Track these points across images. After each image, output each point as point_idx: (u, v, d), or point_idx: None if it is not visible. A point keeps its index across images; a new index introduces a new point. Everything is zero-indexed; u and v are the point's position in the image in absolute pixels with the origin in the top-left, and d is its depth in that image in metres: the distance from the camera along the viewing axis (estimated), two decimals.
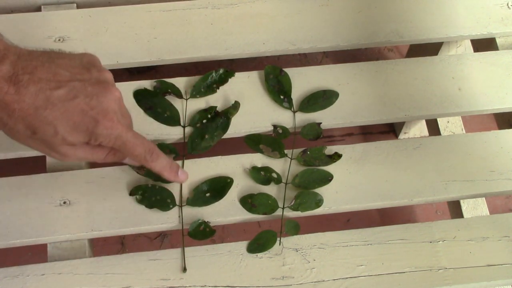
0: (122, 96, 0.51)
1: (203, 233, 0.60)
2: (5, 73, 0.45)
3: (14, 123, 0.46)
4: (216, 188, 0.62)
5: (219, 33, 0.70)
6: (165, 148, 0.63)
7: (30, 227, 0.60)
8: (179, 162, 0.63)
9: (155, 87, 0.66)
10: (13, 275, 0.58)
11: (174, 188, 0.62)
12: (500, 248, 0.61)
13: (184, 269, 0.59)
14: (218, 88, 0.66)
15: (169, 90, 0.65)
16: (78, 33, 0.69)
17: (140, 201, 0.61)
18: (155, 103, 0.65)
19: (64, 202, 0.61)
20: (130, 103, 0.65)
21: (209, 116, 0.65)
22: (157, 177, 0.61)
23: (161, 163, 0.55)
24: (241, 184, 0.63)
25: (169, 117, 0.64)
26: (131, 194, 0.61)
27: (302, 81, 0.68)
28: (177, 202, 0.61)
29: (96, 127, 0.48)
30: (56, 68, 0.47)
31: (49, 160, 0.64)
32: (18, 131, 0.47)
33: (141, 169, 0.61)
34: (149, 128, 0.64)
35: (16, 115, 0.46)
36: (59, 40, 0.68)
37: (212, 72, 0.67)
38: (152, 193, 0.61)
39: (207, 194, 0.62)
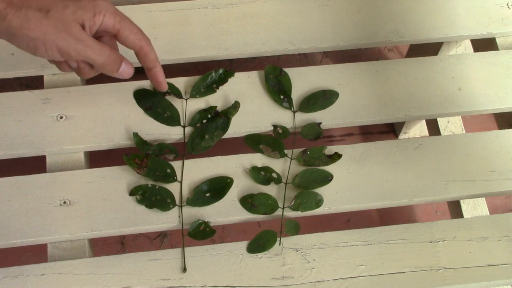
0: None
1: (203, 233, 0.60)
2: None
3: (28, 5, 0.49)
4: (216, 188, 0.62)
5: (219, 33, 0.70)
6: (165, 148, 0.63)
7: (30, 227, 0.60)
8: (179, 162, 0.63)
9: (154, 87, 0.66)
10: (13, 275, 0.58)
11: (174, 188, 0.62)
12: (500, 248, 0.61)
13: (184, 269, 0.59)
14: (218, 88, 0.66)
15: (169, 90, 0.65)
16: None
17: (140, 201, 0.61)
18: (155, 103, 0.65)
19: (64, 202, 0.61)
20: (130, 103, 0.65)
21: (209, 116, 0.65)
22: (157, 177, 0.61)
23: (155, 53, 0.57)
24: (241, 184, 0.63)
25: (169, 117, 0.64)
26: (131, 194, 0.61)
27: (302, 81, 0.68)
28: (177, 202, 0.61)
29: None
30: None
31: (49, 160, 0.64)
32: (33, 14, 0.48)
33: (141, 169, 0.61)
34: (149, 128, 0.64)
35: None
36: None
37: (211, 72, 0.67)
38: (152, 193, 0.61)
39: (207, 194, 0.62)
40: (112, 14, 0.52)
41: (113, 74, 0.56)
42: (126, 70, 0.57)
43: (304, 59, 1.20)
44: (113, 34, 0.54)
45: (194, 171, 0.63)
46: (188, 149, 0.63)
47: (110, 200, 0.61)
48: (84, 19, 0.51)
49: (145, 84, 0.66)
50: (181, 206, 0.61)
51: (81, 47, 0.51)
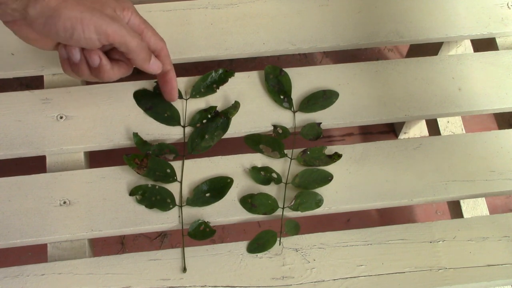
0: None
1: (203, 233, 0.60)
2: None
3: None
4: (216, 188, 0.62)
5: (219, 33, 0.70)
6: (165, 148, 0.63)
7: (30, 227, 0.60)
8: (179, 162, 0.63)
9: (155, 87, 0.66)
10: (13, 275, 0.58)
11: (174, 188, 0.62)
12: (500, 248, 0.61)
13: (184, 269, 0.59)
14: (218, 88, 0.66)
15: None
16: None
17: (140, 201, 0.61)
18: (155, 103, 0.65)
19: (64, 202, 0.61)
20: (130, 103, 0.65)
21: (209, 116, 0.65)
22: (157, 177, 0.61)
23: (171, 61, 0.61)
24: (241, 184, 0.63)
25: (169, 117, 0.64)
26: (131, 194, 0.61)
27: (302, 81, 0.68)
28: (177, 202, 0.61)
29: None
30: None
31: (49, 160, 0.64)
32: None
33: (141, 169, 0.61)
34: (149, 128, 0.64)
35: None
36: None
37: (211, 72, 0.67)
38: (152, 193, 0.61)
39: (207, 194, 0.62)
40: (137, 14, 0.55)
41: (144, 65, 0.56)
42: (156, 63, 0.57)
43: (304, 59, 1.20)
44: (138, 33, 0.55)
45: (194, 171, 0.63)
46: (188, 149, 0.63)
47: (110, 200, 0.61)
48: (116, 8, 0.53)
49: (145, 84, 0.66)
50: (181, 206, 0.61)
51: (116, 25, 0.51)
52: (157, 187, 0.61)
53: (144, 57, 0.56)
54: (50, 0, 0.49)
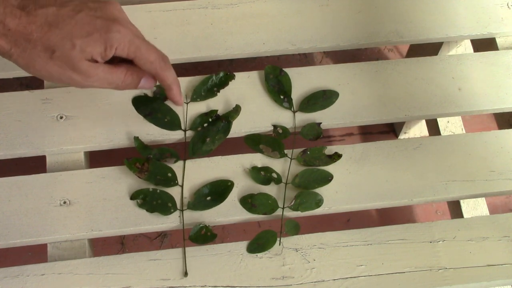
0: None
1: (204, 237, 0.60)
2: (13, 1, 0.48)
3: (33, 46, 0.49)
4: (217, 191, 0.62)
5: (219, 33, 0.70)
6: (166, 152, 0.63)
7: (30, 227, 0.60)
8: (180, 163, 0.63)
9: (155, 92, 0.66)
10: (13, 275, 0.58)
11: (175, 191, 0.61)
12: (500, 248, 0.61)
13: (185, 273, 0.59)
14: (219, 92, 0.66)
15: None
16: None
17: (141, 206, 0.61)
18: (154, 109, 0.64)
19: (64, 202, 0.61)
20: (130, 103, 0.65)
21: (210, 119, 0.64)
22: (158, 181, 0.61)
23: (173, 74, 0.57)
24: (241, 184, 0.63)
25: (170, 122, 0.64)
26: (132, 198, 0.61)
27: (302, 81, 0.68)
28: (178, 206, 0.61)
29: (108, 31, 0.50)
30: None
31: (49, 160, 0.64)
32: (38, 55, 0.49)
33: (142, 173, 0.61)
34: (150, 128, 0.64)
35: (34, 38, 0.48)
36: None
37: (212, 76, 0.66)
38: (153, 197, 0.61)
39: (208, 198, 0.61)
40: (126, 44, 0.51)
41: (133, 89, 0.57)
42: (145, 85, 0.57)
43: (304, 59, 1.20)
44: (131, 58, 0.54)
45: (194, 171, 0.63)
46: (189, 153, 0.63)
47: (110, 200, 0.61)
48: (94, 54, 0.50)
49: None
50: (182, 210, 0.61)
51: (89, 81, 0.52)
52: (158, 191, 0.61)
53: (128, 88, 0.56)
54: (18, 59, 0.49)
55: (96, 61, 0.51)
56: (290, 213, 0.62)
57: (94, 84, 0.52)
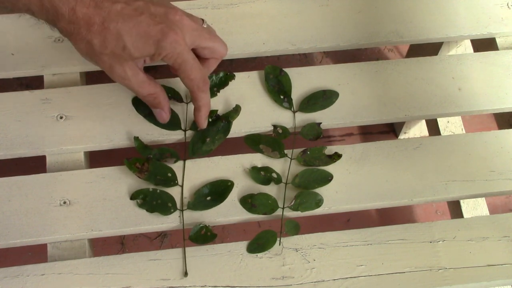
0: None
1: (204, 237, 0.60)
2: None
3: (92, 37, 0.51)
4: (217, 191, 0.62)
5: (219, 33, 0.69)
6: (166, 152, 0.62)
7: (30, 227, 0.60)
8: (180, 163, 0.63)
9: None
10: (13, 275, 0.58)
11: (175, 191, 0.61)
12: (500, 248, 0.61)
13: (185, 274, 0.59)
14: (219, 92, 0.66)
15: (169, 95, 0.65)
16: None
17: (141, 206, 0.61)
18: None
19: (64, 202, 0.61)
20: (130, 103, 0.65)
21: (210, 120, 0.64)
22: (158, 181, 0.61)
23: (207, 99, 0.59)
24: (241, 184, 0.63)
25: (170, 122, 0.64)
26: (132, 198, 0.61)
27: (302, 81, 0.68)
28: (178, 206, 0.61)
29: (162, 40, 0.52)
30: None
31: (49, 160, 0.64)
32: (93, 45, 0.52)
33: (142, 173, 0.61)
34: (150, 128, 0.64)
35: (94, 29, 0.51)
36: (59, 40, 0.68)
37: (212, 76, 0.66)
38: (153, 197, 0.61)
39: (208, 198, 0.61)
40: (174, 55, 0.53)
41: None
42: (159, 116, 0.62)
43: (304, 59, 1.20)
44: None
45: (194, 171, 0.63)
46: (189, 153, 0.63)
47: (110, 200, 0.61)
48: (140, 58, 0.54)
49: None
50: (182, 210, 0.61)
51: (122, 81, 0.55)
52: (158, 191, 0.61)
53: (149, 104, 0.61)
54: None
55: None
56: (290, 213, 0.62)
57: (124, 83, 0.56)
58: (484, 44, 0.75)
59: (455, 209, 0.86)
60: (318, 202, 0.62)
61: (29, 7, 0.51)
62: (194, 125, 0.64)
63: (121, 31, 0.51)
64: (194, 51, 0.57)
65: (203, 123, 0.62)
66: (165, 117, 0.62)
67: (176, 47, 0.53)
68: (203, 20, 0.59)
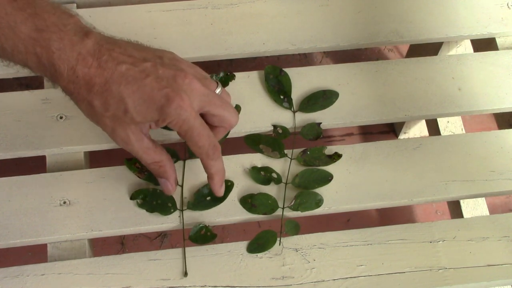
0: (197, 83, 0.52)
1: (204, 237, 0.60)
2: (90, 47, 0.48)
3: (92, 98, 0.48)
4: None
5: (219, 33, 0.70)
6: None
7: (30, 227, 0.60)
8: (180, 163, 0.63)
9: None
10: (13, 275, 0.58)
11: (175, 192, 0.61)
12: (500, 248, 0.61)
13: (185, 274, 0.59)
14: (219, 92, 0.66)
15: None
16: None
17: (140, 206, 0.61)
18: None
19: (64, 202, 0.61)
20: None
21: None
22: (158, 181, 0.61)
23: (219, 165, 0.55)
24: (241, 184, 0.63)
25: None
26: (131, 198, 0.61)
27: (302, 81, 0.68)
28: (178, 206, 0.61)
29: (166, 106, 0.49)
30: (131, 50, 0.50)
31: (49, 160, 0.64)
32: (94, 106, 0.49)
33: (142, 173, 0.61)
34: None
35: (95, 90, 0.48)
36: None
37: (212, 76, 0.66)
38: (153, 197, 0.61)
39: (208, 198, 0.61)
40: (179, 122, 0.50)
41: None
42: (164, 186, 0.58)
43: (304, 59, 1.20)
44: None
45: (194, 171, 0.63)
46: (189, 153, 0.63)
47: (110, 200, 0.61)
48: (144, 123, 0.51)
49: None
50: (182, 210, 0.61)
51: (125, 146, 0.53)
52: (158, 191, 0.61)
53: (153, 173, 0.57)
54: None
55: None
56: (290, 213, 0.62)
57: (127, 148, 0.53)
58: (484, 44, 0.75)
59: (455, 209, 0.86)
60: (318, 202, 0.62)
61: (26, 63, 0.48)
62: None
63: (123, 94, 0.48)
64: (203, 116, 0.53)
65: (219, 191, 0.58)
66: (170, 188, 0.58)
67: (181, 113, 0.49)
68: (217, 83, 0.56)
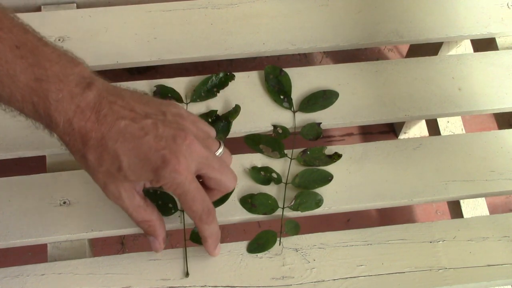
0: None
1: None
2: (91, 99, 0.46)
3: (87, 151, 0.47)
4: None
5: (219, 33, 0.70)
6: None
7: (30, 227, 0.60)
8: None
9: (155, 92, 0.66)
10: (13, 275, 0.58)
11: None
12: (500, 248, 0.61)
13: (187, 274, 0.59)
14: (219, 92, 0.66)
15: (169, 95, 0.65)
16: (78, 33, 0.69)
17: None
18: None
19: (64, 202, 0.61)
20: None
21: (210, 120, 0.64)
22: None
23: (212, 229, 0.54)
24: (241, 184, 0.63)
25: None
26: None
27: (302, 81, 0.68)
28: (179, 207, 0.61)
29: (162, 167, 0.47)
30: (134, 104, 0.48)
31: (49, 160, 0.64)
32: (87, 160, 0.48)
33: None
34: None
35: (90, 144, 0.47)
36: (59, 40, 0.68)
37: (212, 76, 0.66)
38: (153, 198, 0.61)
39: None
40: (173, 186, 0.48)
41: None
42: (152, 244, 0.57)
43: (304, 59, 1.20)
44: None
45: None
46: None
47: (110, 200, 0.61)
48: (137, 182, 0.51)
49: (144, 86, 0.66)
50: (183, 211, 0.61)
51: (116, 201, 0.52)
52: (158, 192, 0.61)
53: (144, 231, 0.56)
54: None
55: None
56: (290, 213, 0.62)
57: (117, 203, 0.52)
58: (484, 44, 0.75)
59: (455, 209, 0.86)
60: (318, 202, 0.62)
61: (22, 111, 0.47)
62: None
63: (118, 151, 0.47)
64: (200, 177, 0.52)
65: (213, 253, 0.58)
66: (158, 247, 0.57)
67: (176, 177, 0.48)
68: (220, 142, 0.54)
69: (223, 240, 0.58)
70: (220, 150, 0.54)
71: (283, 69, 0.68)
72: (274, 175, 0.63)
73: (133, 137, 0.47)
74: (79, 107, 0.46)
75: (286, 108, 0.66)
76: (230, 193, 0.61)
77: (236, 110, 0.65)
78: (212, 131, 0.55)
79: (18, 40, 0.45)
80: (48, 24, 0.69)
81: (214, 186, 0.53)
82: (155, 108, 0.50)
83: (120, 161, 0.47)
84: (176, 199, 0.60)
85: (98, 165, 0.48)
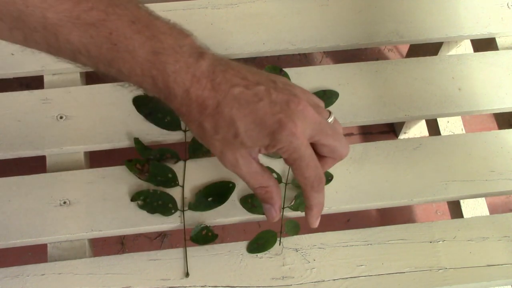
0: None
1: (205, 238, 0.60)
2: (204, 69, 0.46)
3: (203, 120, 0.47)
4: (218, 193, 0.62)
5: (219, 33, 0.70)
6: (167, 153, 0.62)
7: (30, 227, 0.60)
8: (181, 163, 0.63)
9: None
10: (13, 275, 0.58)
11: (176, 192, 0.61)
12: (500, 248, 0.61)
13: (187, 274, 0.59)
14: None
15: None
16: None
17: (141, 207, 0.61)
18: (155, 109, 0.64)
19: (64, 202, 0.61)
20: (130, 103, 0.65)
21: None
22: (159, 182, 0.61)
23: (320, 198, 0.53)
24: (241, 184, 0.63)
25: (170, 122, 0.64)
26: (132, 199, 0.61)
27: (302, 81, 0.68)
28: (179, 206, 0.61)
29: (279, 131, 0.46)
30: (245, 72, 0.48)
31: (49, 160, 0.64)
32: (204, 128, 0.48)
33: (143, 174, 0.61)
34: (150, 127, 0.64)
35: (207, 112, 0.46)
36: None
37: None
38: (153, 198, 0.61)
39: (209, 199, 0.61)
40: (289, 150, 0.47)
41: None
42: (268, 212, 0.55)
43: (304, 59, 1.20)
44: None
45: (194, 171, 0.63)
46: (189, 154, 0.63)
47: (110, 200, 0.61)
48: (254, 148, 0.49)
49: None
50: (183, 211, 0.61)
51: (232, 168, 0.50)
52: (158, 192, 0.61)
53: (259, 197, 0.53)
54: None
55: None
56: (290, 213, 0.62)
57: (234, 171, 0.51)
58: (484, 44, 0.75)
59: (455, 209, 0.86)
60: None
61: (141, 85, 0.47)
62: None
63: (234, 117, 0.46)
64: (312, 145, 0.50)
65: (314, 223, 0.55)
66: (274, 215, 0.54)
67: (293, 141, 0.47)
68: (330, 112, 0.52)
69: (223, 240, 0.58)
70: (331, 119, 0.52)
71: (283, 69, 0.68)
72: (274, 175, 0.63)
73: (248, 103, 0.46)
74: (195, 76, 0.46)
75: None
76: (230, 192, 0.62)
77: None
78: (320, 102, 0.54)
79: (133, 15, 0.46)
80: None
81: (327, 153, 0.52)
82: (265, 77, 0.49)
83: (236, 127, 0.47)
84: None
85: (215, 132, 0.47)
